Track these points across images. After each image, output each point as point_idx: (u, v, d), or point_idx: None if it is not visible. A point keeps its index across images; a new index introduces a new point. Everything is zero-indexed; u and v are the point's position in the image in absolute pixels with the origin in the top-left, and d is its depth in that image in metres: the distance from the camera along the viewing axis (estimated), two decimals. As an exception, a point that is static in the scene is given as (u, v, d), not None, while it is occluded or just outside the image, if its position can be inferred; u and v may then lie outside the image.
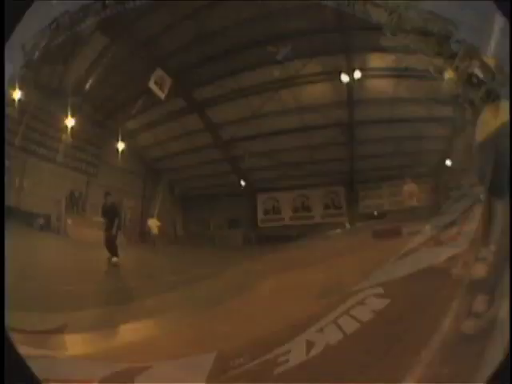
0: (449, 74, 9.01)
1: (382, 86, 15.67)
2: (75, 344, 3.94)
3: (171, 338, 4.35)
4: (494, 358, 1.66)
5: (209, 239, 19.03)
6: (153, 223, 16.95)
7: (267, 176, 19.84)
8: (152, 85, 14.61)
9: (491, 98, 3.65)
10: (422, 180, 20.07)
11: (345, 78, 14.98)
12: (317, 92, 16.30)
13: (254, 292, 6.52)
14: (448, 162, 19.97)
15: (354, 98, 16.00)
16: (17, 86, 12.61)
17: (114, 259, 9.84)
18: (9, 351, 1.56)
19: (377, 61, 14.95)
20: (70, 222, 14.99)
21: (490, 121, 3.13)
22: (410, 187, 13.52)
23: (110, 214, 10.55)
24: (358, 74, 14.81)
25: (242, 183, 19.80)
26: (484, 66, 3.20)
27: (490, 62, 3.25)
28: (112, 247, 10.07)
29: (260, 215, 20.24)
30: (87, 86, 15.07)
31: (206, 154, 19.39)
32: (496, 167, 3.03)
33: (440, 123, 17.61)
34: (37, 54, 12.65)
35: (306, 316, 4.18)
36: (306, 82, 16.11)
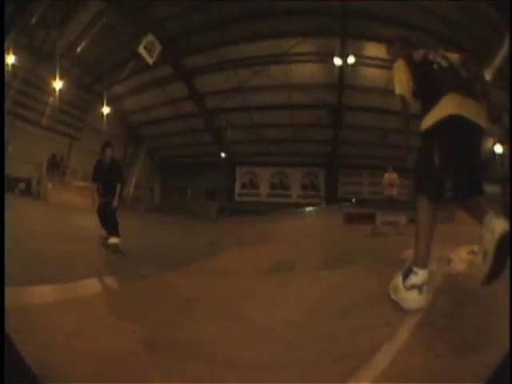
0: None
1: (376, 76, 15.55)
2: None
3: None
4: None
5: (185, 208, 18.88)
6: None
7: (248, 150, 19.76)
8: (141, 50, 14.24)
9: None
10: (405, 175, 20.51)
11: (337, 61, 14.83)
12: (307, 71, 16.15)
13: (208, 262, 6.55)
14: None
15: (345, 82, 15.94)
16: (11, 50, 12.36)
17: (113, 240, 6.94)
18: (9, 351, 1.55)
19: (373, 50, 14.81)
20: (50, 186, 14.54)
21: (437, 112, 3.12)
22: (391, 176, 13.29)
23: (109, 174, 7.46)
24: (351, 60, 14.73)
25: (223, 155, 19.59)
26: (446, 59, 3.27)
27: (453, 56, 3.28)
28: (110, 223, 7.14)
29: (237, 188, 20.20)
30: (78, 50, 14.83)
31: (189, 123, 19.19)
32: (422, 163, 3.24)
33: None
34: (34, 19, 12.48)
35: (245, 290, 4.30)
36: (297, 60, 15.92)
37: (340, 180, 18.63)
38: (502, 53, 14.57)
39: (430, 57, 3.49)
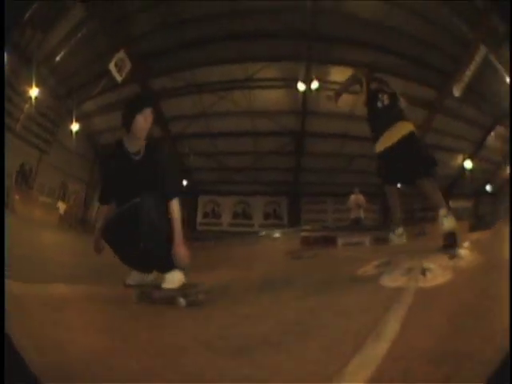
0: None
1: (340, 101, 15.47)
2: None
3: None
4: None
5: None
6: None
7: (211, 178, 19.34)
8: (112, 66, 13.69)
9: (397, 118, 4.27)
10: (372, 199, 20.54)
11: (301, 86, 14.72)
12: (271, 97, 16.01)
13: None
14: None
15: (309, 108, 15.90)
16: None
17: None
18: (9, 351, 1.47)
19: (338, 75, 14.74)
20: (17, 197, 13.73)
21: (391, 136, 4.14)
22: (358, 198, 13.19)
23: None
24: (315, 85, 14.56)
25: (184, 183, 18.91)
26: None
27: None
28: None
29: (199, 218, 19.58)
30: (57, 58, 14.05)
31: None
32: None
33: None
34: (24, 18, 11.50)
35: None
36: (261, 86, 15.79)
37: (303, 208, 18.29)
38: (471, 69, 14.94)
39: (380, 95, 4.43)
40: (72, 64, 14.63)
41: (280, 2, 12.76)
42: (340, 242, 11.51)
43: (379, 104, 4.32)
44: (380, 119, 4.42)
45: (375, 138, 4.38)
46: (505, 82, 17.56)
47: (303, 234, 13.74)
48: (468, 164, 22.19)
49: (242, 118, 16.74)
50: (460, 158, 22.58)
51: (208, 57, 14.82)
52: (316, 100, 15.36)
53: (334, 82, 14.75)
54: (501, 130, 22.97)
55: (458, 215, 17.25)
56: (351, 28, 13.41)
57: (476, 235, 7.66)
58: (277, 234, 15.86)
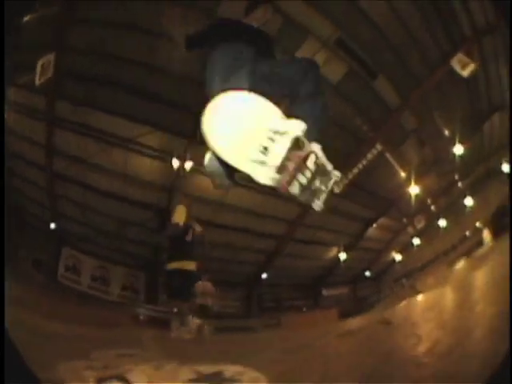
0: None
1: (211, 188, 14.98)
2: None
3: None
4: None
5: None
6: None
7: (77, 231, 17.72)
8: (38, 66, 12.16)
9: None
10: (236, 289, 20.23)
11: (175, 163, 13.98)
12: (146, 166, 14.98)
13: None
14: (264, 275, 20.45)
15: (179, 187, 15.13)
16: None
17: None
18: (9, 351, 1.51)
19: None
20: None
21: None
22: (204, 286, 12.93)
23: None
24: (188, 165, 13.98)
25: (52, 226, 17.13)
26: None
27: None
28: None
29: (61, 269, 17.84)
30: None
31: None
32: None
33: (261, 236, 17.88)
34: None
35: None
36: (141, 151, 14.77)
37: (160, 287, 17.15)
38: (358, 167, 15.20)
39: None
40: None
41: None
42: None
43: None
44: None
45: None
46: (397, 175, 18.58)
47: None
48: (343, 256, 22.83)
49: (115, 179, 15.47)
50: (335, 250, 23.11)
51: (106, 102, 13.82)
52: (189, 180, 14.83)
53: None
54: (384, 221, 24.27)
55: (335, 302, 17.51)
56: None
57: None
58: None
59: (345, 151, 16.28)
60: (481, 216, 20.29)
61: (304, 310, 22.44)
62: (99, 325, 9.12)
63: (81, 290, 17.34)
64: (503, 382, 1.40)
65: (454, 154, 18.11)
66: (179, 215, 8.48)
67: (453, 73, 13.51)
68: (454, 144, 17.56)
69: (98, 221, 16.59)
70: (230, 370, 3.46)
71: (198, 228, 8.59)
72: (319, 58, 12.58)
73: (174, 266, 7.89)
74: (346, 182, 16.74)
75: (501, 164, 10.56)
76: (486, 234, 18.17)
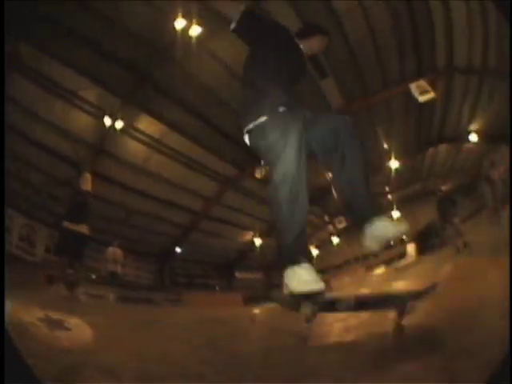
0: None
1: (136, 151, 14.97)
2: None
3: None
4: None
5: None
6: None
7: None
8: None
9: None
10: (150, 260, 20.02)
11: (107, 121, 13.22)
12: (80, 119, 13.98)
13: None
14: (178, 249, 20.43)
15: (105, 147, 14.52)
16: None
17: None
18: (9, 350, 1.49)
19: (146, 124, 14.17)
20: None
21: None
22: (115, 252, 12.97)
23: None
24: (119, 124, 13.35)
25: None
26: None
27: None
28: None
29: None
30: None
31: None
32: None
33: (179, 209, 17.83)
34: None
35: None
36: (78, 105, 13.59)
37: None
38: None
39: None
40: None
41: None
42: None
43: None
44: None
45: None
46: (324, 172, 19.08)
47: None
48: (258, 241, 23.26)
49: (51, 131, 14.11)
50: (251, 234, 23.48)
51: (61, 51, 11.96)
52: (114, 140, 14.34)
53: (139, 131, 14.36)
54: None
55: (249, 285, 17.69)
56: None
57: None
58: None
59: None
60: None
61: (216, 289, 22.61)
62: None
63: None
64: (503, 382, 1.38)
65: (389, 168, 19.16)
66: (87, 182, 9.06)
67: (409, 95, 14.07)
68: (390, 158, 18.52)
69: (26, 173, 15.32)
70: (70, 321, 3.57)
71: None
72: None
73: (69, 226, 8.12)
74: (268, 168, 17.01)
75: (438, 189, 11.28)
76: (410, 248, 19.27)
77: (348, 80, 14.47)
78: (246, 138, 2.63)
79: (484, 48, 12.97)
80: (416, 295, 2.22)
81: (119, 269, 13.07)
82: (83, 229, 8.26)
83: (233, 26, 2.74)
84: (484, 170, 10.95)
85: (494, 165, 11.64)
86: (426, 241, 11.57)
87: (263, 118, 2.47)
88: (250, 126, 2.53)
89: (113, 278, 12.98)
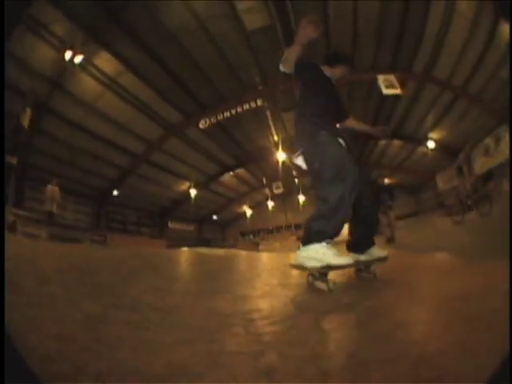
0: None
1: (89, 88, 14.23)
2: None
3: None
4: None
5: None
6: None
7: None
8: None
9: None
10: (88, 203, 19.52)
11: (68, 54, 12.36)
12: (37, 47, 12.87)
13: None
14: (115, 192, 20.04)
15: (60, 81, 13.59)
16: None
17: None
18: (9, 350, 1.43)
19: (104, 61, 13.47)
20: None
21: None
22: (53, 191, 12.45)
23: None
24: (79, 59, 12.60)
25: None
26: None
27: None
28: None
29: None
30: None
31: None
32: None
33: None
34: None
35: None
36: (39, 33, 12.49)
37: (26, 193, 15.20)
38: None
39: None
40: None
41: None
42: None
43: None
44: None
45: None
46: (269, 136, 19.18)
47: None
48: (193, 192, 23.26)
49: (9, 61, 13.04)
50: (187, 184, 23.46)
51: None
52: (73, 75, 13.47)
53: (97, 68, 13.64)
54: (243, 173, 25.31)
55: (180, 236, 17.70)
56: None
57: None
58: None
59: (227, 92, 16.62)
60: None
61: (148, 236, 22.43)
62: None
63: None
64: (503, 382, 1.34)
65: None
66: (27, 117, 9.27)
67: (374, 85, 14.52)
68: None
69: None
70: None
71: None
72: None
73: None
74: (213, 121, 16.97)
75: (380, 179, 11.71)
76: (346, 227, 20.01)
77: (314, 52, 14.43)
78: (300, 160, 3.09)
79: (471, 71, 13.68)
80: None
81: (55, 208, 12.65)
82: (12, 160, 8.03)
83: (285, 69, 3.13)
84: (459, 160, 11.45)
85: (467, 161, 12.21)
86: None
87: (323, 138, 2.91)
88: (307, 146, 3.00)
89: (49, 218, 12.51)
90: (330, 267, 2.69)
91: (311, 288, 2.77)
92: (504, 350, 1.37)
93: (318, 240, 2.79)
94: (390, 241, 9.05)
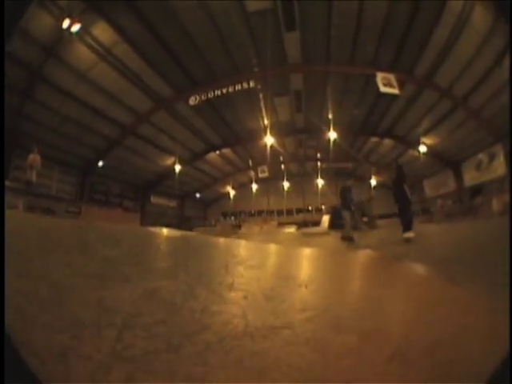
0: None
1: (83, 57, 13.87)
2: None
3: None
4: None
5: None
6: None
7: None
8: None
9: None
10: (71, 173, 19.27)
11: (66, 23, 12.26)
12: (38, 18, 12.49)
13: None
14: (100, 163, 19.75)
15: (56, 47, 13.27)
16: None
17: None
18: (9, 350, 1.43)
19: (100, 31, 13.15)
20: None
21: None
22: (34, 158, 12.05)
23: None
24: (76, 28, 12.44)
25: None
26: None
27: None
28: None
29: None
30: None
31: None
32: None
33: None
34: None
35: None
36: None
37: (12, 160, 14.90)
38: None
39: None
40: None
41: None
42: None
43: None
44: None
45: None
46: (259, 120, 19.09)
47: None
48: (178, 167, 23.13)
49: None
50: (172, 159, 23.33)
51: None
52: (70, 43, 13.19)
53: (95, 38, 13.34)
54: (229, 153, 25.32)
55: (162, 213, 17.65)
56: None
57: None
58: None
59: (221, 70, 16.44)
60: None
61: (126, 210, 22.12)
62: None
63: None
64: (503, 382, 1.40)
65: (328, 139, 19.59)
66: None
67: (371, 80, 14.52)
68: (329, 130, 18.88)
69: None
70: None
71: None
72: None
73: None
74: (203, 99, 16.82)
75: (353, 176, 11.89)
76: (325, 219, 19.66)
77: (314, 41, 14.35)
78: None
79: (473, 86, 13.82)
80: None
81: (34, 177, 12.20)
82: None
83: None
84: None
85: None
86: (337, 218, 12.19)
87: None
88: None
89: (28, 187, 12.14)
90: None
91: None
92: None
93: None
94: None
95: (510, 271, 2.07)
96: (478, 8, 11.04)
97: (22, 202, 11.25)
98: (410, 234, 6.15)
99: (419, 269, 3.50)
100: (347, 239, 8.09)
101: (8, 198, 10.63)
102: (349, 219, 8.94)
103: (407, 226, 6.29)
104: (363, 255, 5.10)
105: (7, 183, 12.04)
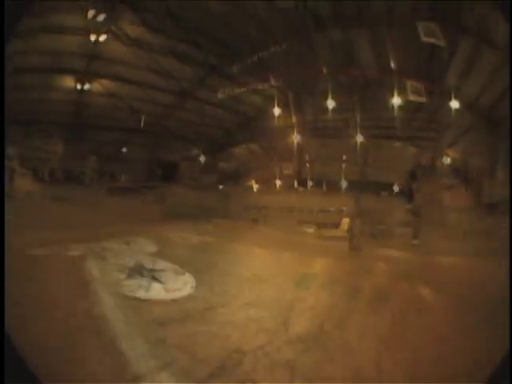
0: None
1: (120, 52, 14.77)
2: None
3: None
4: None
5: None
6: None
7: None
8: None
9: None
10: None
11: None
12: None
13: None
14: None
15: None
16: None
17: None
18: (9, 351, 1.53)
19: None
20: None
21: None
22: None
23: None
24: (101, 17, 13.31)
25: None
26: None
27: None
28: None
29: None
30: None
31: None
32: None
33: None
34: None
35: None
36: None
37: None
38: None
39: None
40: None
41: None
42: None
43: None
44: None
45: None
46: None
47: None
48: (202, 159, 23.23)
49: None
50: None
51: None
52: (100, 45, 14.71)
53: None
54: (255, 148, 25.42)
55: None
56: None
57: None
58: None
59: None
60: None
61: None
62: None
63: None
64: (503, 382, 1.51)
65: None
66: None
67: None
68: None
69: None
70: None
71: None
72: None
73: None
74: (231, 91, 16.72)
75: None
76: (344, 222, 19.57)
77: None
78: None
79: (496, 100, 13.52)
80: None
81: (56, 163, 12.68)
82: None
83: None
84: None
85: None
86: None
87: None
88: None
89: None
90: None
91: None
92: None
93: None
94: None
95: (510, 269, 2.09)
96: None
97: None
98: (415, 242, 8.46)
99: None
100: (355, 249, 8.21)
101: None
102: (356, 229, 9.33)
103: (415, 235, 8.64)
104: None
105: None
